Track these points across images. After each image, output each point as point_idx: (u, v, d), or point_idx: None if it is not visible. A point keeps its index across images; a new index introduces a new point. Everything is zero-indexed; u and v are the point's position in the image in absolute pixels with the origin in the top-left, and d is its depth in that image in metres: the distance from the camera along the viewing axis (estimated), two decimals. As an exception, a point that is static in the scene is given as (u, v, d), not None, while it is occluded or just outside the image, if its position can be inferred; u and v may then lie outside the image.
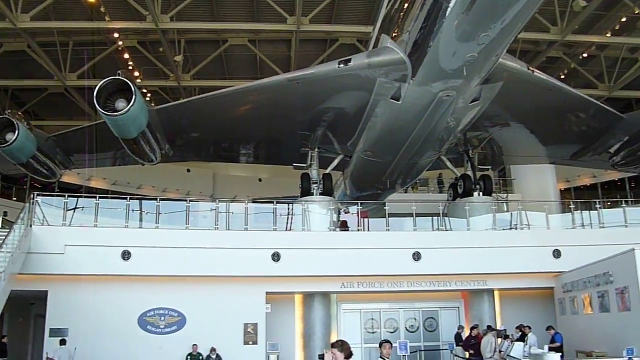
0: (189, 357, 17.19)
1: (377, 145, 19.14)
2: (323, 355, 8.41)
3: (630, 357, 12.00)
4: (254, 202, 22.88)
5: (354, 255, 18.04)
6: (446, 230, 19.81)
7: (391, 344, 9.06)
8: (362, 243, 18.61)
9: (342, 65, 16.55)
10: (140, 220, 18.71)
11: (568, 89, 18.71)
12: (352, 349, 7.40)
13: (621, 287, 13.79)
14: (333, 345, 7.66)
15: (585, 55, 31.39)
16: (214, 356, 17.27)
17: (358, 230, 19.90)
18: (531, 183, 28.45)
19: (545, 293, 19.58)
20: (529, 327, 16.51)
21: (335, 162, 21.38)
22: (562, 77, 32.05)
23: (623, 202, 21.12)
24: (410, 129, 17.50)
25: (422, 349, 20.26)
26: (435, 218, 20.13)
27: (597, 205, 20.02)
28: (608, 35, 29.02)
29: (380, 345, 8.51)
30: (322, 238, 18.69)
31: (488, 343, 15.71)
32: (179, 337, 17.51)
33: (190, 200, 20.12)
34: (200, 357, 17.25)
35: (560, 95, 18.16)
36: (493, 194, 22.91)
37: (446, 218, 20.29)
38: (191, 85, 32.25)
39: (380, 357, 8.40)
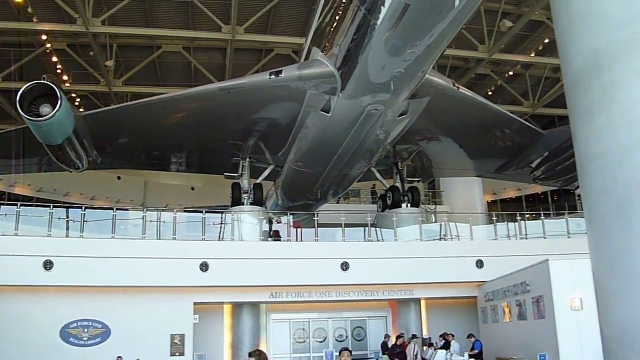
0: (114, 369, 16.78)
1: (307, 156, 19.30)
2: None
3: (542, 363, 12.58)
4: (185, 211, 22.66)
5: (283, 266, 18.09)
6: (374, 241, 20.12)
7: (350, 352, 9.23)
8: (291, 253, 18.66)
9: (273, 77, 16.63)
10: (67, 229, 18.21)
11: (491, 106, 19.46)
12: (269, 358, 7.46)
13: (537, 296, 14.40)
14: (250, 355, 7.71)
15: (511, 73, 32.66)
16: (139, 368, 16.91)
17: (288, 240, 19.96)
18: (459, 195, 29.26)
19: (469, 302, 20.18)
20: (452, 335, 17.00)
21: (267, 172, 21.42)
22: (490, 93, 33.27)
23: (542, 215, 21.99)
24: (340, 141, 17.75)
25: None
26: (364, 229, 20.45)
27: (518, 218, 20.84)
28: (532, 55, 30.35)
29: (340, 353, 8.76)
30: (251, 248, 18.65)
31: (411, 351, 16.06)
32: (103, 349, 17.04)
33: (117, 209, 19.62)
34: (125, 370, 16.85)
35: (484, 111, 18.83)
36: (422, 206, 23.49)
37: (375, 229, 20.63)
38: (123, 91, 31.59)
39: None
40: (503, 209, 35.09)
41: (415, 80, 15.05)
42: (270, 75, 16.76)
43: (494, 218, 21.66)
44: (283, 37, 28.09)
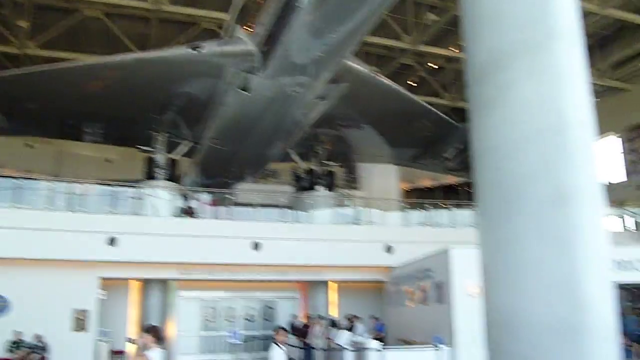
0: (12, 344, 16.12)
1: (225, 133, 19.18)
2: (133, 339, 8.37)
3: (437, 344, 13.12)
4: (98, 184, 21.99)
5: (194, 243, 17.87)
6: (287, 222, 20.23)
7: (286, 331, 9.36)
8: (203, 231, 18.44)
9: (193, 51, 16.37)
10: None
11: (409, 96, 19.95)
12: (163, 334, 7.43)
13: (438, 282, 14.97)
14: (146, 331, 7.65)
15: (434, 65, 33.41)
16: (39, 344, 16.34)
17: (197, 217, 19.75)
18: (376, 181, 29.83)
19: (378, 286, 20.70)
20: (357, 317, 17.40)
21: (183, 148, 21.07)
22: (414, 84, 33.95)
23: (452, 205, 22.74)
24: (257, 120, 17.75)
25: (259, 337, 20.63)
26: (279, 209, 20.53)
27: (428, 206, 21.50)
28: (454, 49, 31.15)
29: (276, 332, 8.89)
30: (162, 224, 18.31)
31: (317, 331, 16.36)
32: (2, 324, 16.33)
33: (20, 177, 18.79)
34: (24, 345, 16.23)
35: (402, 101, 19.31)
36: (340, 190, 23.83)
37: (290, 210, 20.76)
38: (37, 54, 29.99)
39: (275, 343, 8.65)
40: (419, 198, 36.01)
41: (334, 65, 15.21)
42: (190, 49, 16.48)
43: (406, 206, 22.26)
44: (209, 12, 27.52)
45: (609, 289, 6.13)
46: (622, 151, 33.06)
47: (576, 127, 6.41)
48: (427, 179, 37.26)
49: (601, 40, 30.53)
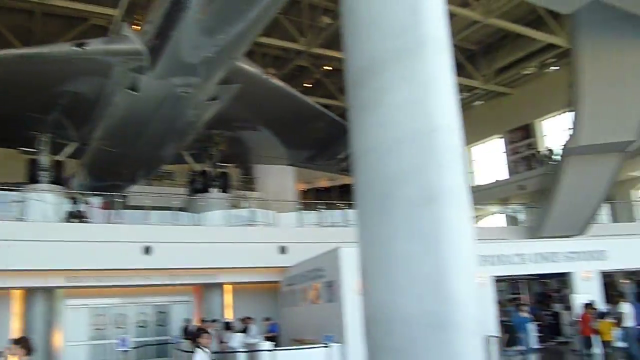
0: None
1: (113, 134, 18.55)
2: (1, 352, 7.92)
3: (327, 343, 13.37)
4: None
5: (82, 248, 17.12)
6: (182, 225, 19.87)
7: (209, 334, 9.04)
8: (91, 235, 17.70)
9: (77, 48, 15.71)
10: None
11: (302, 98, 20.17)
12: (33, 345, 7.14)
13: (329, 281, 15.26)
14: (15, 342, 7.28)
15: (329, 68, 33.95)
16: None
17: (87, 221, 19.00)
18: (272, 182, 29.92)
19: (274, 287, 20.77)
20: (250, 319, 17.39)
21: (70, 149, 20.15)
22: (310, 86, 34.32)
23: (346, 205, 23.18)
24: (147, 121, 17.31)
25: (151, 343, 20.13)
26: (172, 212, 20.13)
27: (323, 207, 21.84)
28: (348, 52, 31.77)
29: (199, 335, 8.55)
30: (46, 229, 17.43)
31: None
32: None
33: None
34: None
35: (294, 103, 19.49)
36: (235, 191, 23.70)
37: (182, 212, 20.41)
38: None
39: (198, 347, 8.33)
40: (316, 198, 36.47)
41: (224, 66, 15.13)
42: (75, 46, 15.81)
43: (301, 206, 22.49)
44: (99, 7, 26.47)
45: (474, 284, 6.50)
46: (505, 151, 35.15)
47: (444, 131, 6.74)
48: (323, 180, 37.81)
49: (485, 47, 32.31)
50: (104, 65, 15.69)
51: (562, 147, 20.79)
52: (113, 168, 21.42)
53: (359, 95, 7.56)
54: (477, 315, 6.42)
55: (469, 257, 6.55)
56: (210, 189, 21.64)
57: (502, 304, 17.80)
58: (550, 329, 19.48)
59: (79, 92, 17.25)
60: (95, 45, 15.79)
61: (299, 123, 21.01)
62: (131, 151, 19.61)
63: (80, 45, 15.67)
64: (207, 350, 8.39)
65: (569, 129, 19.75)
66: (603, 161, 19.65)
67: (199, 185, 22.06)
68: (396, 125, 6.90)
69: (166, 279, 19.08)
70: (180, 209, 20.52)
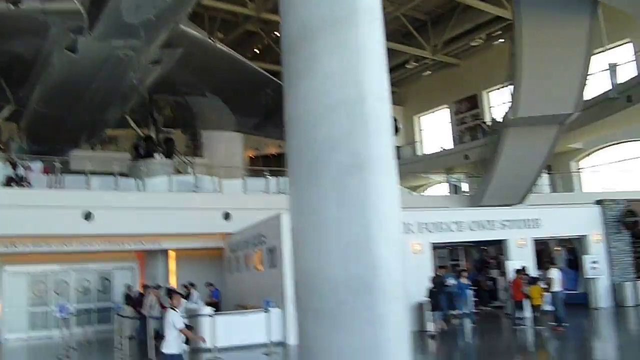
0: None
1: (52, 97, 18.02)
2: None
3: (267, 308, 13.54)
4: None
5: (21, 214, 16.65)
6: (124, 191, 19.57)
7: (180, 295, 9.51)
8: (30, 200, 17.25)
9: (12, 6, 15.06)
10: None
11: (249, 65, 20.00)
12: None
13: (271, 247, 15.40)
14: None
15: (278, 34, 33.55)
16: None
17: (27, 186, 18.50)
18: (220, 149, 29.68)
19: (217, 253, 20.80)
20: (193, 285, 17.40)
21: (6, 112, 19.48)
22: (259, 51, 33.93)
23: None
24: (87, 84, 16.87)
25: (93, 310, 19.99)
26: (114, 177, 19.76)
27: (269, 174, 21.80)
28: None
29: (170, 296, 9.15)
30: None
31: (151, 300, 16.16)
32: None
33: None
34: None
35: (241, 69, 19.31)
36: (180, 157, 23.44)
37: (125, 178, 20.09)
38: None
39: (171, 308, 8.76)
40: (264, 165, 36.34)
41: (166, 28, 14.81)
42: (8, 4, 15.15)
43: (248, 173, 22.42)
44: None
45: (398, 249, 6.68)
46: (451, 122, 35.78)
47: (374, 100, 6.81)
48: (273, 146, 37.69)
49: (435, 18, 32.52)
50: (40, 24, 15.13)
51: (502, 118, 21.28)
52: (53, 132, 20.85)
53: (292, 62, 7.53)
54: (401, 280, 6.61)
55: (394, 224, 6.70)
56: (155, 155, 21.29)
57: (440, 270, 18.38)
58: (489, 294, 20.25)
59: (14, 53, 16.63)
60: (31, 3, 15.17)
61: (246, 89, 20.81)
62: (71, 114, 19.11)
63: (15, 3, 15.03)
64: (178, 310, 8.82)
65: (509, 101, 20.19)
66: (541, 133, 20.22)
67: (143, 150, 21.68)
68: (327, 93, 6.92)
69: (108, 245, 18.87)
70: (123, 175, 20.14)
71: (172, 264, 20.79)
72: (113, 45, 15.02)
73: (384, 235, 6.65)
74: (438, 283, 17.21)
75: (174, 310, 8.74)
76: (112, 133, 26.61)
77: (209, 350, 13.06)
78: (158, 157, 21.25)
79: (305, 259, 7.37)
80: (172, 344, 8.51)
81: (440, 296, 16.30)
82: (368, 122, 6.89)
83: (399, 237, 6.85)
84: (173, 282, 20.36)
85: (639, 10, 17.71)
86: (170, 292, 9.33)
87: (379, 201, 6.71)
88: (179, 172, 22.85)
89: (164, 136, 22.06)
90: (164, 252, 20.45)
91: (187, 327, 9.27)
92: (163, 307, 16.51)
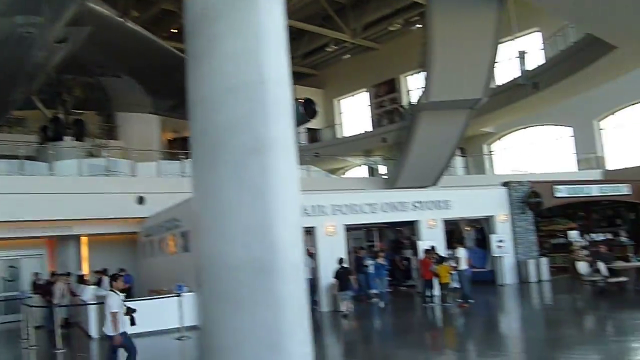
0: None
1: (-51, 75, 16.97)
2: None
3: (180, 293, 13.43)
4: None
5: None
6: (31, 175, 18.76)
7: (122, 277, 9.64)
8: None
9: None
10: None
11: (161, 44, 19.44)
12: None
13: (185, 231, 15.23)
14: None
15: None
16: None
17: None
18: (135, 131, 28.89)
19: (132, 238, 20.37)
20: (104, 271, 17.01)
21: None
22: (176, 31, 33.07)
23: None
24: (-12, 62, 15.99)
25: (1, 299, 19.17)
26: (20, 161, 18.92)
27: (182, 157, 21.48)
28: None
29: (118, 278, 9.24)
30: None
31: (60, 288, 15.69)
32: None
33: None
34: None
35: (153, 48, 18.77)
36: (92, 139, 22.69)
37: (32, 161, 19.27)
38: None
39: (112, 291, 8.91)
40: (182, 148, 35.69)
41: (71, 5, 14.21)
42: None
43: (165, 156, 22.00)
44: None
45: (297, 232, 6.78)
46: (370, 105, 36.34)
47: (274, 84, 6.85)
48: (191, 129, 36.93)
49: (355, 1, 32.75)
50: None
51: (415, 102, 21.82)
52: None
53: (195, 43, 7.45)
54: (300, 263, 6.72)
55: (294, 206, 6.80)
56: (64, 137, 20.48)
57: (359, 252, 18.80)
58: (404, 274, 20.86)
59: None
60: None
61: (160, 70, 20.28)
62: (-29, 94, 18.10)
63: None
64: (119, 293, 8.97)
65: (422, 85, 20.70)
66: (452, 117, 20.87)
67: (52, 132, 20.81)
68: (227, 76, 6.90)
69: (14, 232, 18.07)
70: (30, 158, 19.29)
71: (85, 250, 20.19)
72: (14, 22, 14.25)
73: (283, 218, 6.73)
74: (357, 264, 17.72)
75: (115, 293, 8.85)
76: (18, 114, 25.34)
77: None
78: (68, 140, 20.46)
79: (206, 241, 7.36)
80: (111, 325, 8.65)
81: (359, 276, 16.83)
82: (267, 106, 6.93)
83: (298, 220, 6.96)
84: (85, 269, 19.82)
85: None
86: (114, 276, 9.46)
87: (278, 184, 6.79)
88: (92, 155, 22.13)
89: (74, 117, 21.24)
90: (76, 238, 19.82)
91: (130, 310, 9.25)
92: (73, 294, 16.13)
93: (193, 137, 7.57)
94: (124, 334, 8.78)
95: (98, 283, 16.70)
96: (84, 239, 20.11)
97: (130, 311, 9.30)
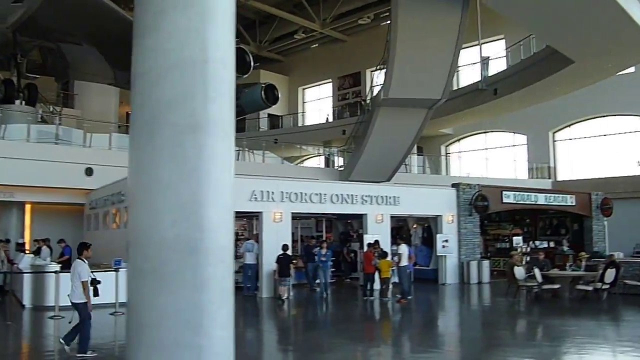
0: None
1: None
2: None
3: (117, 268, 13.29)
4: None
5: None
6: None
7: (89, 246, 9.37)
8: None
9: None
10: None
11: (124, 14, 19.05)
12: None
13: (128, 205, 15.00)
14: None
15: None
16: None
17: None
18: (93, 101, 28.30)
19: (78, 209, 20.02)
20: (45, 241, 16.72)
21: None
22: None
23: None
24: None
25: None
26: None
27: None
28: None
29: (87, 247, 9.09)
30: None
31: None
32: None
33: None
34: None
35: (116, 17, 18.37)
36: (45, 105, 22.16)
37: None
38: None
39: (80, 259, 8.90)
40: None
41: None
42: None
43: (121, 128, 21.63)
44: None
45: (228, 213, 6.77)
46: (333, 96, 36.42)
47: (216, 63, 6.79)
48: (152, 104, 36.42)
49: (328, -8, 32.75)
50: None
51: (374, 97, 21.97)
52: None
53: (141, 16, 7.32)
54: (229, 245, 6.71)
55: (226, 189, 6.77)
56: (15, 101, 19.93)
57: (309, 240, 18.92)
58: (350, 266, 21.06)
59: None
60: None
61: (123, 41, 19.83)
62: None
63: None
64: (85, 261, 8.97)
65: (383, 81, 20.85)
66: (411, 115, 21.10)
67: (1, 94, 20.19)
68: (170, 51, 6.80)
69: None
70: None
71: (27, 218, 19.77)
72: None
73: (214, 199, 6.70)
74: (307, 253, 17.85)
75: (82, 261, 8.88)
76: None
77: (52, 308, 12.63)
78: (18, 103, 19.93)
79: (137, 217, 7.28)
80: (78, 293, 8.69)
81: (307, 265, 16.95)
82: (208, 86, 6.86)
83: (230, 202, 6.94)
84: (27, 237, 19.43)
85: (502, 6, 18.66)
86: (84, 244, 9.28)
87: (211, 165, 6.75)
88: (44, 121, 21.60)
89: (27, 81, 20.68)
90: (20, 205, 19.38)
91: (95, 281, 9.13)
92: (11, 262, 15.81)
93: (132, 111, 7.47)
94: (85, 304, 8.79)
95: (37, 252, 16.40)
96: (28, 207, 19.66)
97: (95, 282, 9.19)
